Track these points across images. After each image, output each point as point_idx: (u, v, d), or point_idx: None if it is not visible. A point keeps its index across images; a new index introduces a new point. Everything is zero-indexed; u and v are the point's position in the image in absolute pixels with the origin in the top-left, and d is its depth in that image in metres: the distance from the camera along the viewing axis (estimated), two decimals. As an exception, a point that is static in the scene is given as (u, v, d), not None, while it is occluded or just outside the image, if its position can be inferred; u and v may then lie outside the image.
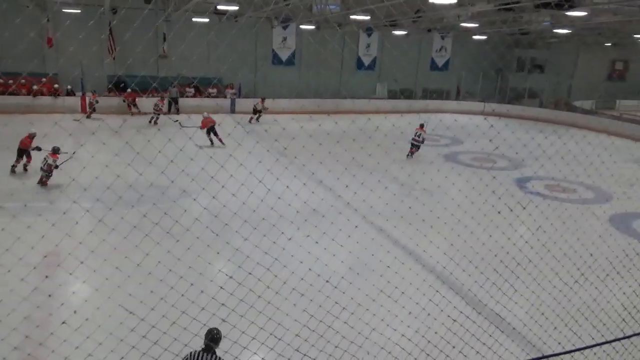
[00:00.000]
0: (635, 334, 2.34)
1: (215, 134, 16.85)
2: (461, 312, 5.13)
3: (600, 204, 13.85)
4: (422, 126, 16.73)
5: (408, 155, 16.24)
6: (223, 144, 16.56)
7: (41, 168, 11.89)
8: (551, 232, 7.84)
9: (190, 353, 4.11)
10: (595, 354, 3.85)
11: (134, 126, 18.21)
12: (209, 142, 16.79)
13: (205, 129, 17.04)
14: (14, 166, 12.70)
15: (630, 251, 7.98)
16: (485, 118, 19.29)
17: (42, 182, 11.82)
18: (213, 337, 4.19)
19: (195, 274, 5.12)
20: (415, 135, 16.52)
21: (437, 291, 5.36)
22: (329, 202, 10.56)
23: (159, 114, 20.50)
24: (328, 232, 6.68)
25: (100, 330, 4.18)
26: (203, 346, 4.13)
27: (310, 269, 5.44)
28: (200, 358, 4.09)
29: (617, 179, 13.65)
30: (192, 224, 5.80)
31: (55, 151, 12.01)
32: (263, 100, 22.74)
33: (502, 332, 5.55)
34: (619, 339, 2.34)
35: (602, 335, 4.24)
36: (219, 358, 4.13)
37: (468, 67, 30.48)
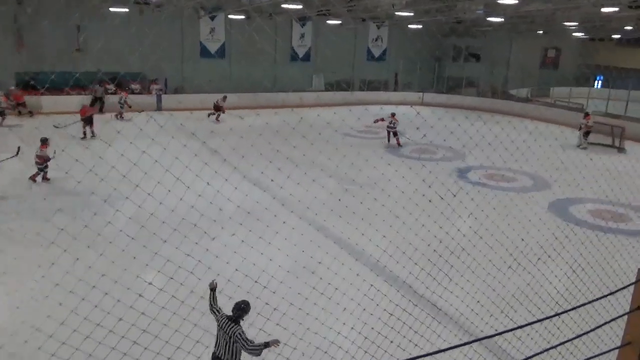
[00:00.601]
0: (564, 311, 2.52)
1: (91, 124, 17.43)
2: (404, 310, 5.30)
3: (540, 191, 14.69)
4: (393, 115, 18.95)
5: (388, 141, 18.56)
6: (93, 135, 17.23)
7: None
8: (492, 221, 8.23)
9: (221, 314, 4.90)
10: (528, 334, 4.09)
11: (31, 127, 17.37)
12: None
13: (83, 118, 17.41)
14: None
15: (569, 235, 8.52)
16: (411, 106, 19.89)
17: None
18: (238, 307, 4.88)
19: (122, 288, 4.98)
20: (389, 124, 18.69)
21: (378, 290, 5.50)
22: (265, 203, 10.56)
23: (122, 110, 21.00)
24: (264, 236, 6.68)
25: (16, 358, 3.98)
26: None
27: (246, 276, 5.43)
28: (224, 320, 4.86)
29: (555, 166, 14.50)
30: (115, 237, 5.64)
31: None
32: (224, 97, 22.55)
33: (447, 327, 5.81)
34: (549, 317, 2.51)
35: (537, 318, 4.53)
36: (240, 331, 4.72)
37: (405, 56, 31.28)
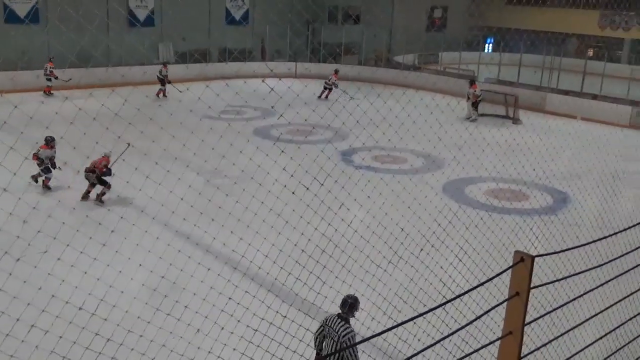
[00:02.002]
0: (440, 305, 2.95)
1: None
2: (287, 318, 5.62)
3: (433, 172, 15.93)
4: (336, 72, 25.07)
5: (320, 96, 22.92)
6: None
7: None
8: (381, 210, 8.87)
9: (326, 318, 5.78)
10: (409, 332, 4.61)
11: None
12: None
13: None
14: None
15: (465, 220, 9.44)
16: (280, 79, 20.58)
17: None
18: (344, 303, 5.78)
19: None
20: (327, 80, 24.20)
21: (262, 301, 5.77)
22: (119, 211, 10.28)
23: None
24: (122, 250, 6.63)
25: None
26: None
27: (102, 300, 5.41)
28: (332, 322, 5.76)
29: (446, 143, 15.78)
30: None
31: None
32: (166, 65, 25.36)
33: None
34: (422, 314, 2.92)
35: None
36: (349, 330, 5.53)
37: (272, 19, 31.65)
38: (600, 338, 3.86)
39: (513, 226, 10.97)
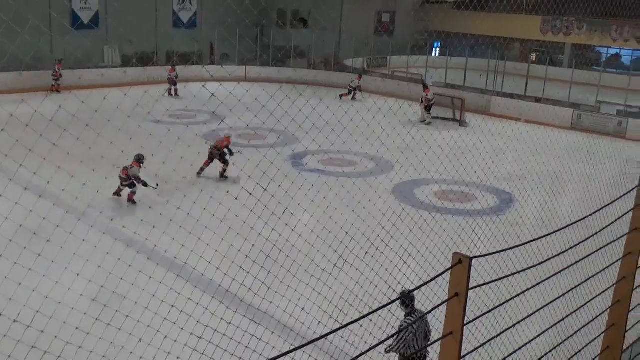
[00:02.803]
0: (386, 304, 2.94)
1: None
2: (232, 324, 5.54)
3: (382, 175, 16.05)
4: (360, 76, 26.96)
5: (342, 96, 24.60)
6: None
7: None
8: (328, 214, 8.86)
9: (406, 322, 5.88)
10: (356, 334, 4.61)
11: None
12: None
13: None
14: None
15: (411, 221, 9.50)
16: (220, 84, 20.39)
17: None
18: (403, 302, 5.85)
19: None
20: (350, 82, 26.64)
21: (206, 308, 5.67)
22: (55, 219, 9.92)
23: None
24: (58, 260, 6.42)
25: None
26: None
27: (38, 312, 5.20)
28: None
29: (397, 145, 15.91)
30: None
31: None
32: (173, 67, 26.93)
33: (281, 336, 6.21)
34: (364, 316, 2.91)
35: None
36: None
37: (221, 22, 31.37)
38: (539, 335, 3.91)
39: (461, 227, 11.11)
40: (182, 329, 5.35)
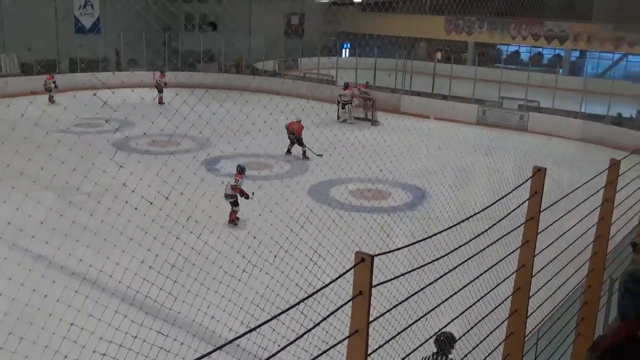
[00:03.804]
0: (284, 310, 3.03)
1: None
2: (159, 332, 5.48)
3: (299, 176, 16.18)
4: (367, 84, 26.06)
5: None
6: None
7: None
8: (247, 219, 8.85)
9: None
10: (268, 338, 4.68)
11: None
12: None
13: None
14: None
15: (327, 220, 9.64)
16: (132, 90, 20.04)
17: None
18: (438, 340, 6.17)
19: None
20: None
21: (124, 316, 5.56)
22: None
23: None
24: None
25: None
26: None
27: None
28: None
29: (312, 146, 16.08)
30: None
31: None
32: (163, 74, 26.92)
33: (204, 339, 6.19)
34: (274, 317, 2.98)
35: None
36: None
37: (126, 27, 30.59)
38: (447, 325, 4.09)
39: (378, 224, 11.36)
40: (100, 338, 5.22)
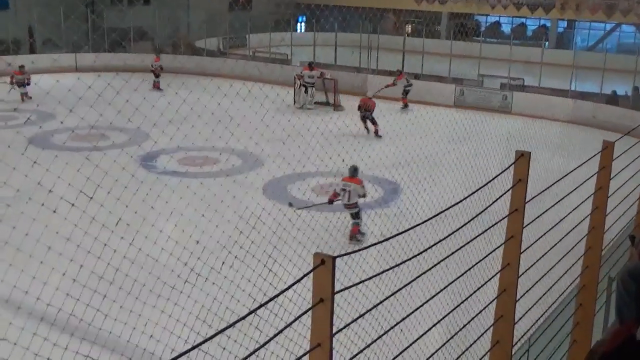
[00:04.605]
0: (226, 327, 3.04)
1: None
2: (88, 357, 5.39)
3: (250, 172, 16.09)
4: (400, 73, 25.34)
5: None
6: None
7: None
8: (181, 225, 8.78)
9: None
10: (213, 356, 4.67)
11: None
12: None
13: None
14: None
15: (284, 222, 9.62)
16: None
17: None
18: None
19: None
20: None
21: (45, 339, 5.45)
22: None
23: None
24: None
25: None
26: None
27: None
28: None
29: (267, 137, 15.96)
30: None
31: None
32: (157, 57, 27.94)
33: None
34: (222, 331, 2.99)
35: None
36: None
37: (41, 2, 30.00)
38: (425, 333, 4.12)
39: (345, 223, 11.38)
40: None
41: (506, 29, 40.64)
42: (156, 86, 27.11)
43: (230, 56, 31.67)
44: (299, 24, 39.74)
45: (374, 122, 20.71)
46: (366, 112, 20.73)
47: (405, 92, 25.19)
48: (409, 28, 40.37)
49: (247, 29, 33.03)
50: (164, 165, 16.65)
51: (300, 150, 14.00)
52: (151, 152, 17.28)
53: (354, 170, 12.78)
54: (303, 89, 24.60)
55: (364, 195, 12.65)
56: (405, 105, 25.25)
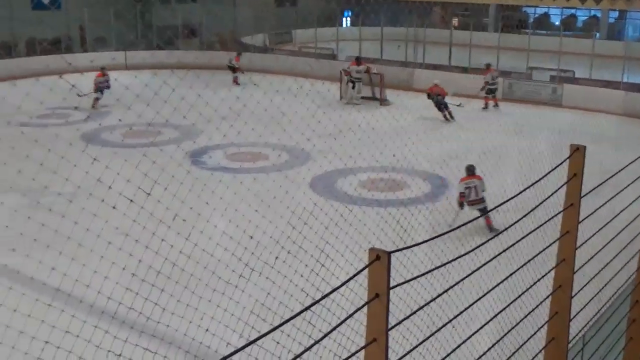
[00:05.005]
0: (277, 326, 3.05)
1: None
2: (156, 353, 5.50)
3: (299, 167, 16.17)
4: (489, 66, 24.24)
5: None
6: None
7: None
8: (234, 219, 8.87)
9: None
10: (269, 352, 4.71)
11: None
12: None
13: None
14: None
15: (334, 216, 9.64)
16: (101, 72, 19.47)
17: None
18: None
19: None
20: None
21: (106, 331, 5.57)
22: None
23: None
24: None
25: None
26: None
27: None
28: None
29: (314, 131, 16.04)
30: None
31: None
32: (238, 56, 28.14)
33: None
34: (277, 327, 3.01)
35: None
36: None
37: (92, 2, 30.54)
38: (477, 331, 4.10)
39: (393, 218, 11.32)
40: (79, 357, 5.25)
41: (555, 20, 39.91)
42: (235, 81, 27.72)
43: (276, 52, 31.79)
44: (344, 19, 39.66)
45: (446, 107, 21.61)
46: (438, 97, 21.54)
47: (490, 91, 23.65)
48: (456, 21, 39.93)
49: (293, 24, 33.10)
50: (217, 161, 16.84)
51: (350, 145, 14.02)
52: (204, 147, 17.50)
53: (472, 168, 13.20)
54: (351, 84, 24.56)
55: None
56: (492, 105, 23.96)
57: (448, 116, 21.66)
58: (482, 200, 12.75)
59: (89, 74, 22.65)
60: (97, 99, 22.65)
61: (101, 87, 22.63)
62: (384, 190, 14.77)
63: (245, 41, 33.20)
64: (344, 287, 3.33)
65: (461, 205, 12.79)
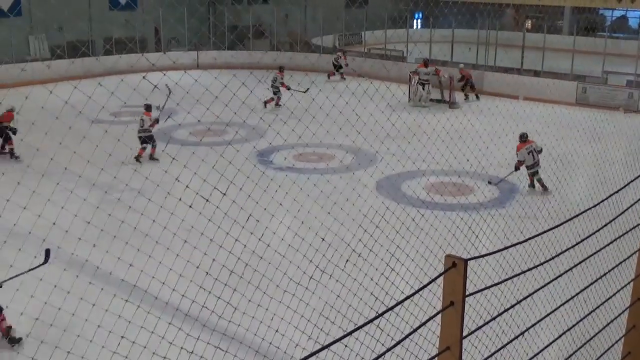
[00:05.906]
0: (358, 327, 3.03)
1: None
2: (217, 347, 5.59)
3: (363, 170, 16.16)
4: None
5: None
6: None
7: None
8: (302, 220, 8.93)
9: None
10: (340, 356, 4.70)
11: None
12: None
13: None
14: None
15: (401, 219, 9.60)
16: (185, 71, 19.99)
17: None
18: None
19: None
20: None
21: (179, 329, 5.70)
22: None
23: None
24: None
25: None
26: None
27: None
28: None
29: (379, 134, 16.03)
30: None
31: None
32: (345, 54, 29.51)
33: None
34: (353, 331, 2.99)
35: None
36: None
37: (166, 3, 31.15)
38: (551, 343, 4.03)
39: (457, 224, 11.21)
40: (153, 353, 5.37)
41: (633, 23, 38.69)
42: (342, 76, 28.95)
43: (348, 53, 31.83)
44: (415, 21, 39.38)
45: (472, 87, 25.03)
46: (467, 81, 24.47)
47: None
48: (529, 23, 39.17)
49: (363, 26, 33.06)
50: (282, 162, 17.00)
51: (416, 148, 13.92)
52: (269, 146, 17.67)
53: (525, 135, 15.33)
54: (420, 86, 24.44)
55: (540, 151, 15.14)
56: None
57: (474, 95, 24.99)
58: (538, 162, 14.81)
59: (169, 74, 23.18)
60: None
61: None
62: (448, 194, 14.62)
63: (315, 42, 33.36)
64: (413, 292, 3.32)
65: (517, 169, 14.83)
